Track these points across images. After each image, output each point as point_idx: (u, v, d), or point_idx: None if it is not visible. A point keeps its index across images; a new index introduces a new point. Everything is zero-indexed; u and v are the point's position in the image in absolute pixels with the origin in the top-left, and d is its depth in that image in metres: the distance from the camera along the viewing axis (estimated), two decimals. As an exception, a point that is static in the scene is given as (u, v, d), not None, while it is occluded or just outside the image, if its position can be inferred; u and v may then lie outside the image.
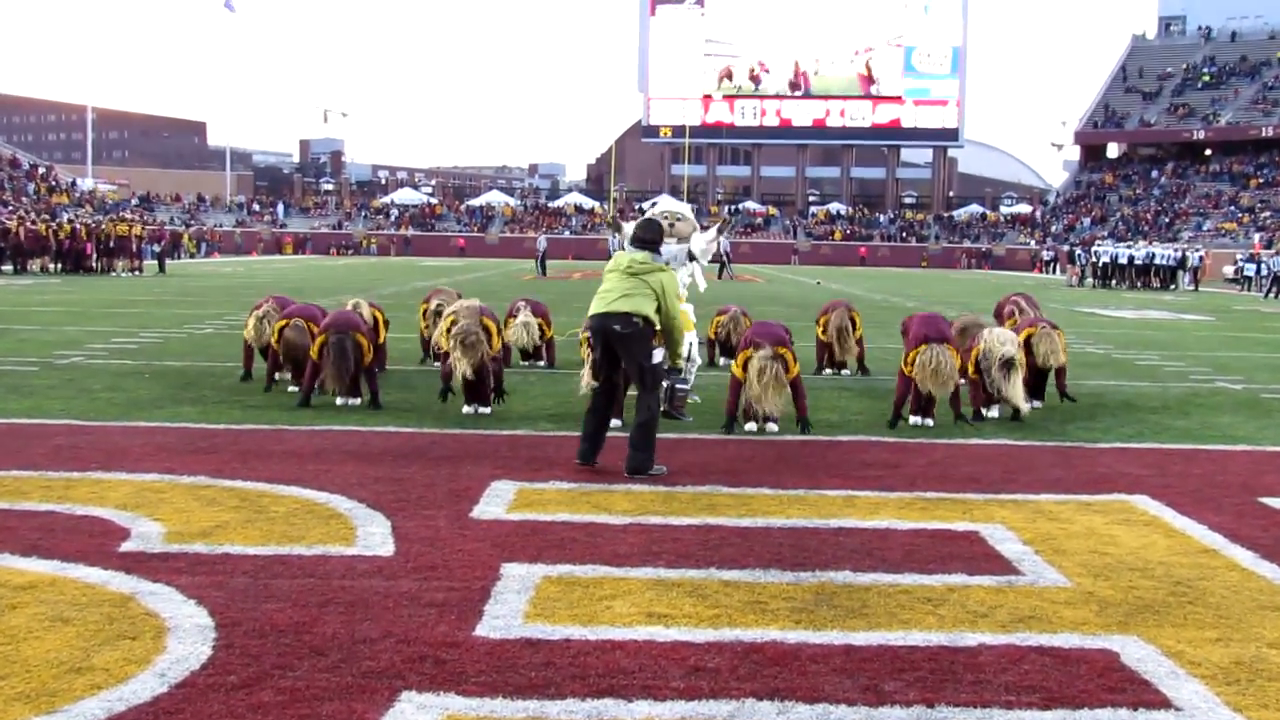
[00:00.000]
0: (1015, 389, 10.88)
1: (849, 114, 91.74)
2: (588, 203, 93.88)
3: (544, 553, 6.49)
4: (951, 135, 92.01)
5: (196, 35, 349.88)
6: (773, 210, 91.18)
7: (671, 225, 11.41)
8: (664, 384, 9.03)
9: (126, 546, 6.46)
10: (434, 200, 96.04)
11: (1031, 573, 6.29)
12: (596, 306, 8.83)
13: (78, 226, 43.04)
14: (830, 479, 8.61)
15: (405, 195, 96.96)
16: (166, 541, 6.58)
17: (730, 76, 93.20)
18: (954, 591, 5.92)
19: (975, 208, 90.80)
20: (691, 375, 11.52)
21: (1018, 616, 5.54)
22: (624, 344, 8.68)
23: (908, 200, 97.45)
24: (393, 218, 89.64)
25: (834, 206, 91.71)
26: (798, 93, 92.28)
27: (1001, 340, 11.04)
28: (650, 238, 9.19)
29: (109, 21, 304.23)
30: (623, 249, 10.71)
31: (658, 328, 8.85)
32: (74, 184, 77.90)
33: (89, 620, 5.22)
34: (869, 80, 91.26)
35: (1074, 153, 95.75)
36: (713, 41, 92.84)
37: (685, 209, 11.93)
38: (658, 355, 8.90)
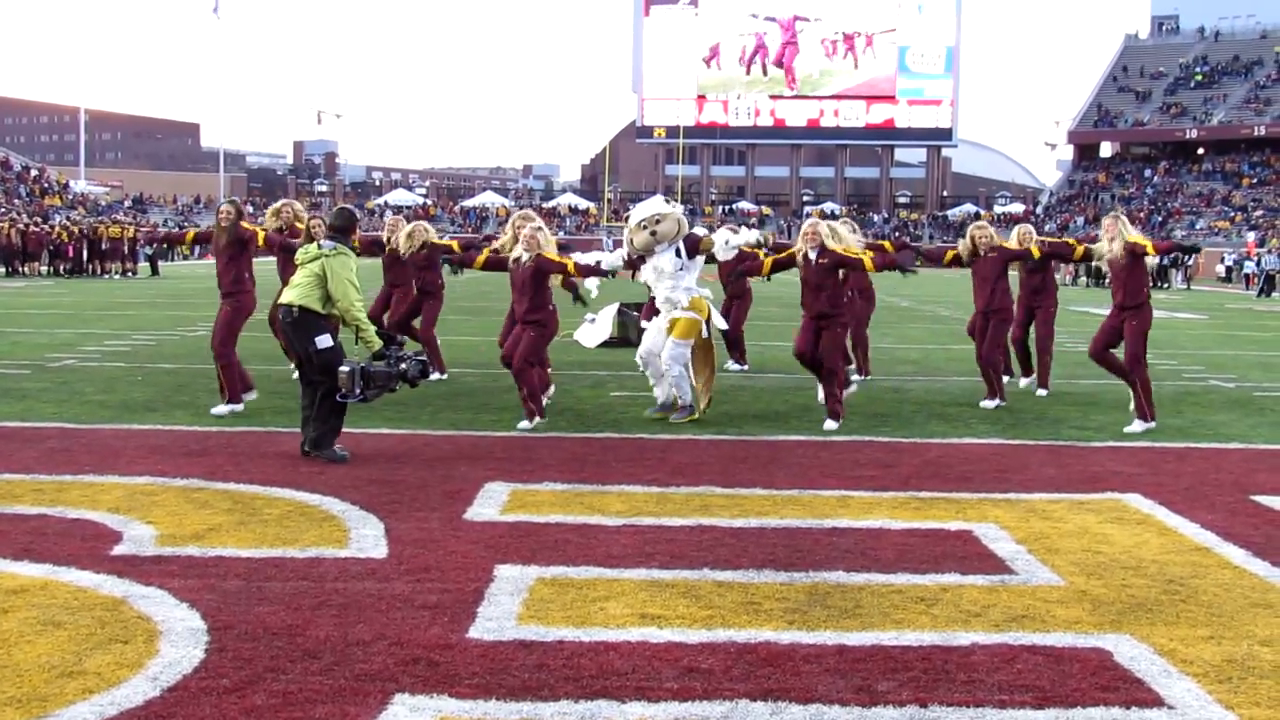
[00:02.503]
0: None
1: (843, 114, 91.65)
2: (582, 203, 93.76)
3: (537, 554, 6.49)
4: (945, 135, 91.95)
5: (189, 36, 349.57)
6: (767, 210, 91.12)
7: (653, 232, 11.17)
8: (352, 367, 8.88)
9: (119, 550, 6.45)
10: (428, 201, 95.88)
11: (1025, 572, 6.29)
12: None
13: (71, 229, 43.00)
14: (824, 479, 8.61)
15: (399, 196, 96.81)
16: (159, 544, 6.57)
17: (717, 58, 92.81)
18: (947, 591, 5.92)
19: (969, 207, 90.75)
20: (683, 391, 11.11)
21: (1011, 616, 5.55)
22: (291, 333, 9.06)
23: (902, 200, 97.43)
24: (386, 219, 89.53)
25: (828, 206, 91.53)
26: (790, 88, 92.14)
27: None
28: (340, 224, 9.28)
29: (102, 23, 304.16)
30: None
31: (323, 312, 9.00)
32: (66, 186, 77.73)
33: (81, 624, 5.20)
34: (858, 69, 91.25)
35: (1067, 152, 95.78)
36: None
37: (666, 208, 11.58)
38: (323, 341, 8.95)
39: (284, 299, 9.13)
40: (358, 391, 8.93)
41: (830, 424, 10.78)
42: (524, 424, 10.53)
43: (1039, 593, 5.93)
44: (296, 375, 12.65)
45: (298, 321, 8.97)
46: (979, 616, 5.53)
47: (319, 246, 9.10)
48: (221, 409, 10.91)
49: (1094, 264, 13.99)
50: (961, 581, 6.10)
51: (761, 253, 12.52)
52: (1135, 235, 11.19)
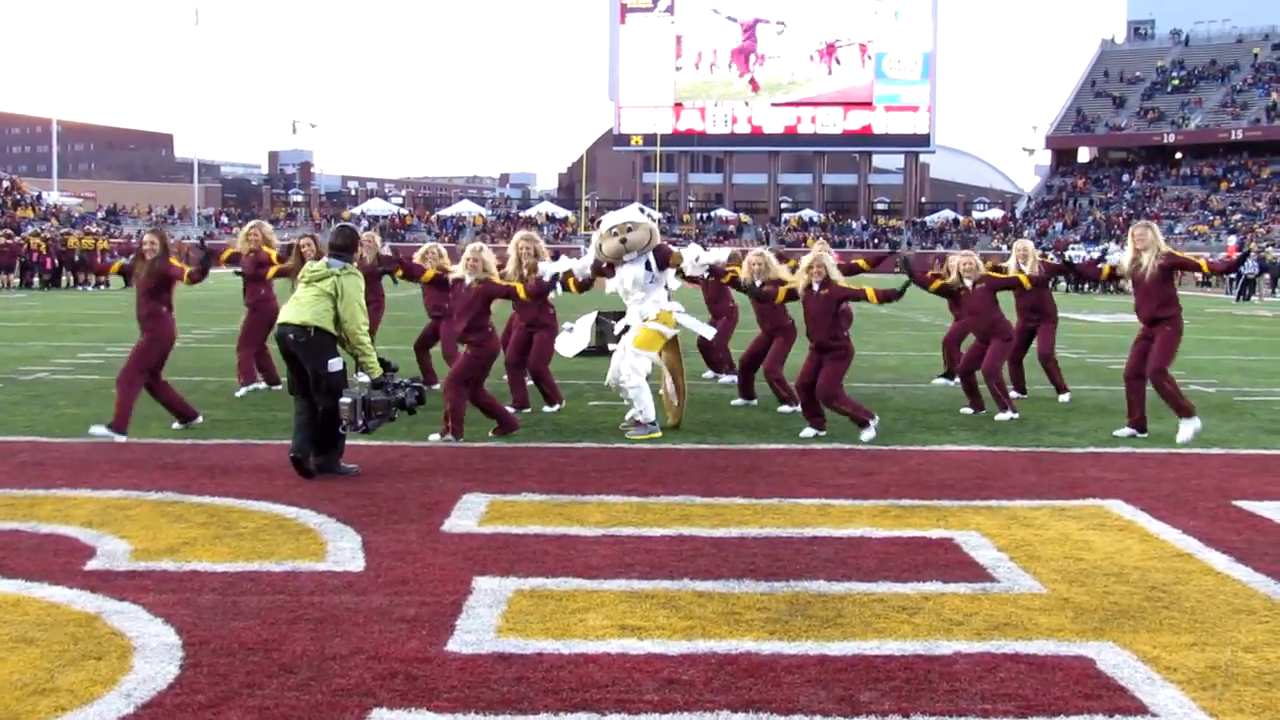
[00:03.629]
0: None
1: (820, 121, 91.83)
2: (560, 212, 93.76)
3: (516, 566, 6.47)
4: (923, 141, 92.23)
5: (163, 46, 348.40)
6: (745, 218, 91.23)
7: (623, 240, 11.06)
8: (354, 398, 8.79)
9: (92, 565, 6.41)
10: (404, 211, 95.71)
11: (1006, 579, 6.30)
12: (280, 317, 9.12)
13: (42, 241, 42.78)
14: (804, 488, 8.61)
15: (375, 206, 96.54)
16: (133, 559, 6.53)
17: (695, 65, 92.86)
18: (929, 600, 5.93)
19: (948, 213, 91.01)
20: (643, 404, 10.89)
21: (993, 624, 5.55)
22: (301, 353, 8.84)
23: (880, 206, 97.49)
24: (363, 229, 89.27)
25: (806, 213, 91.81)
26: (753, 92, 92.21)
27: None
28: (340, 244, 9.15)
29: (74, 33, 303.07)
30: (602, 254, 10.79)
31: (335, 333, 8.89)
32: (39, 197, 77.33)
33: (53, 640, 5.16)
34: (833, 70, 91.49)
35: (1045, 157, 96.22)
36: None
37: (638, 217, 11.48)
38: (335, 364, 8.86)
39: (294, 318, 8.85)
40: (360, 423, 8.86)
41: (867, 433, 10.70)
42: (434, 435, 10.46)
43: (1021, 600, 5.94)
44: (274, 387, 12.67)
45: (313, 342, 8.78)
46: (961, 625, 5.53)
47: (327, 265, 8.95)
48: (100, 430, 10.36)
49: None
50: (943, 590, 6.10)
51: (786, 272, 12.55)
52: (1170, 249, 11.06)
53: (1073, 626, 5.55)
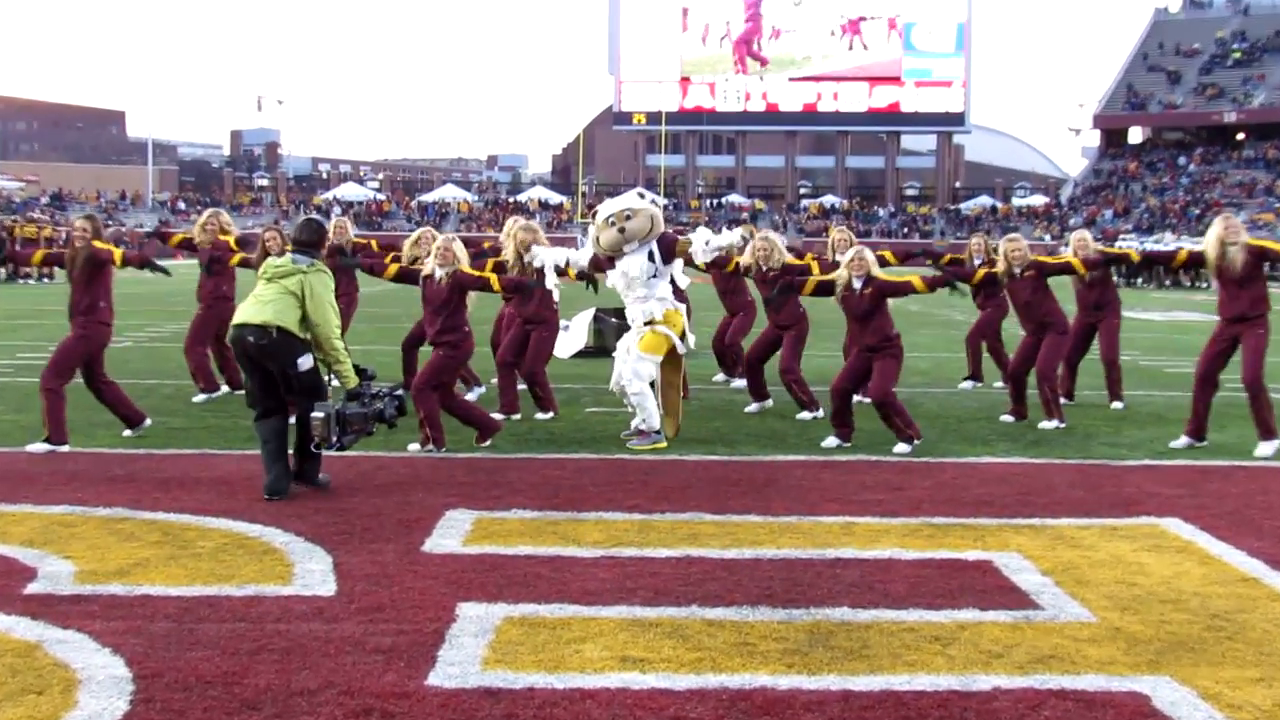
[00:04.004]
0: None
1: (843, 97, 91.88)
2: (554, 197, 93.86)
3: (504, 590, 6.45)
4: (957, 120, 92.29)
5: (114, 14, 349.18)
6: (760, 204, 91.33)
7: (621, 229, 11.01)
8: (327, 411, 8.70)
9: (33, 588, 6.40)
10: (381, 196, 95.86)
11: (1051, 606, 6.28)
12: (235, 318, 8.91)
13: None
14: (826, 504, 8.60)
15: (349, 191, 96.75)
16: (78, 582, 6.52)
17: (704, 36, 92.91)
18: (965, 629, 5.91)
19: (984, 199, 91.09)
20: (647, 412, 10.90)
21: (1036, 656, 5.53)
22: (264, 355, 8.69)
23: (909, 192, 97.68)
24: (335, 216, 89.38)
25: (828, 199, 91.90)
26: (761, 66, 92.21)
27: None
28: (306, 239, 9.03)
29: (15, 1, 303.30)
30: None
31: (301, 335, 8.76)
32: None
33: (-11, 673, 5.15)
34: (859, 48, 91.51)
35: (1093, 138, 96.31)
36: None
37: (638, 203, 11.40)
38: (305, 361, 8.76)
39: (254, 318, 8.66)
40: (334, 440, 8.74)
41: (902, 447, 10.71)
42: (413, 445, 10.46)
43: (1068, 630, 5.92)
44: (223, 392, 12.63)
45: (275, 343, 8.62)
46: (1001, 657, 5.51)
47: (293, 260, 8.85)
48: (39, 447, 10.31)
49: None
50: (981, 618, 6.08)
51: (812, 260, 12.56)
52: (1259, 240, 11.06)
53: (1125, 659, 5.53)
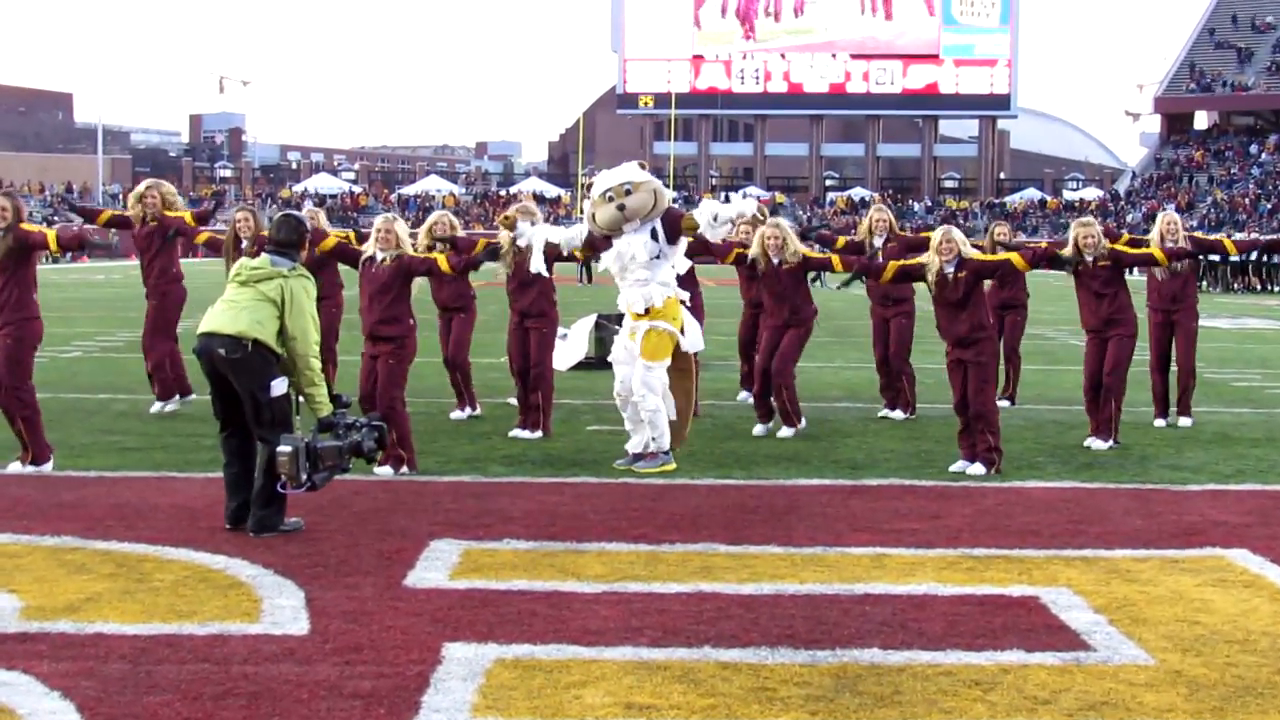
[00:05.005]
0: None
1: (874, 77, 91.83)
2: (550, 190, 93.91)
3: (496, 629, 6.49)
4: (1002, 103, 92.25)
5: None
6: (781, 197, 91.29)
7: (621, 206, 10.76)
8: (294, 445, 8.31)
9: (-27, 626, 6.45)
10: (358, 188, 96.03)
11: (1105, 648, 6.31)
12: (202, 324, 8.61)
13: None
14: (854, 534, 8.63)
15: (322, 182, 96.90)
16: (23, 618, 6.56)
17: (720, 8, 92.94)
18: (1008, 672, 5.93)
19: (1032, 192, 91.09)
20: (659, 430, 10.80)
21: (1088, 703, 5.56)
22: (232, 371, 8.43)
23: (948, 184, 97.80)
24: (307, 210, 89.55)
25: (857, 192, 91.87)
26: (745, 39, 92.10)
27: None
28: (285, 239, 8.77)
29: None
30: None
31: (278, 350, 8.49)
32: (-92, 172, 77.67)
33: (-75, 720, 5.20)
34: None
35: (1153, 124, 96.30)
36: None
37: (639, 175, 11.10)
38: (278, 386, 8.49)
39: (226, 327, 8.38)
40: (304, 478, 8.37)
41: (977, 468, 10.78)
42: (383, 469, 10.38)
43: (1123, 674, 5.94)
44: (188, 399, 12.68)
45: (249, 358, 8.36)
46: (1048, 704, 5.54)
47: (272, 263, 8.56)
48: (21, 468, 10.37)
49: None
50: (1026, 660, 6.11)
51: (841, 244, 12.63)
52: None
53: (1186, 706, 5.55)
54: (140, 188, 13.86)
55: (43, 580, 7.25)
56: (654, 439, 10.81)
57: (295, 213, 9.28)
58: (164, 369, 13.46)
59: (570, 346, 12.85)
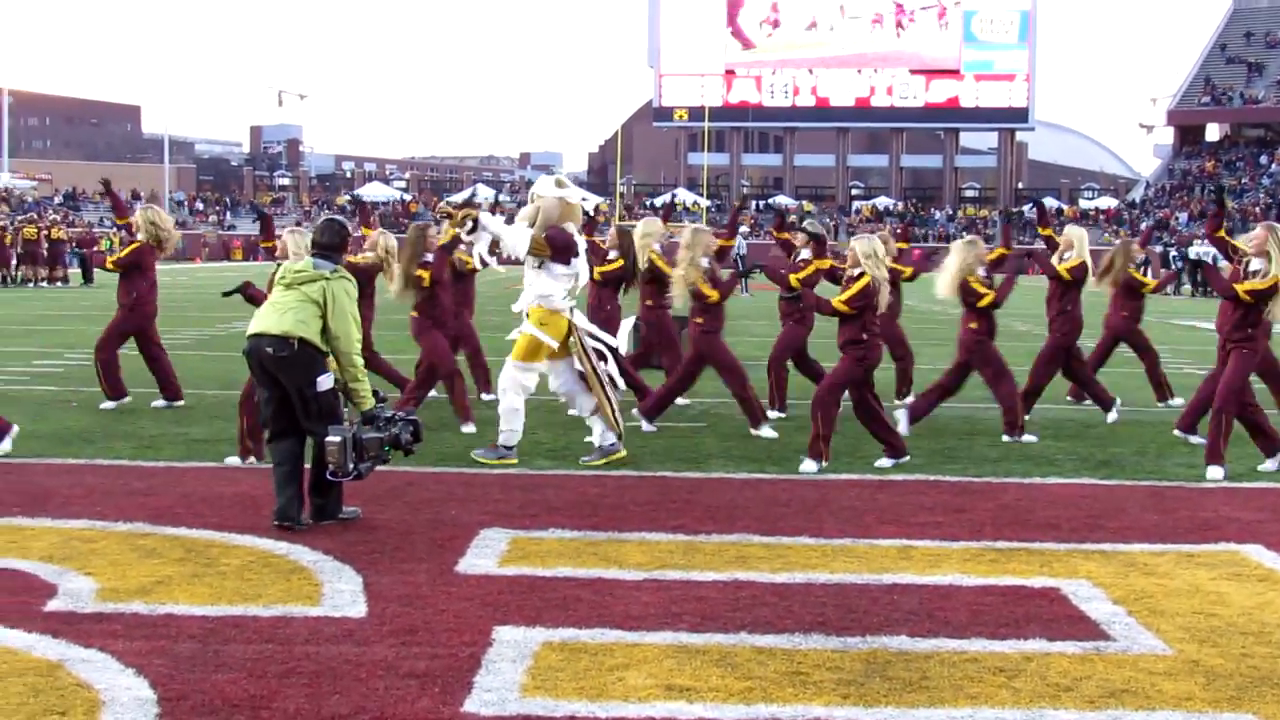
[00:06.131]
0: None
1: (898, 91, 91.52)
2: (591, 199, 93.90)
3: (543, 614, 6.51)
4: (1020, 116, 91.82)
5: (130, 6, 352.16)
6: (809, 206, 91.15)
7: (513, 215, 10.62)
8: (344, 436, 8.38)
9: (53, 605, 6.50)
10: (408, 196, 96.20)
11: (1124, 638, 6.28)
12: (251, 326, 8.67)
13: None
14: (882, 526, 8.62)
15: (374, 190, 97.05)
16: (99, 600, 6.61)
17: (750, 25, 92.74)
18: (1031, 660, 5.92)
19: (1050, 202, 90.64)
20: (509, 426, 10.71)
21: (1108, 690, 5.53)
22: (281, 369, 8.47)
23: (969, 193, 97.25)
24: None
25: (881, 201, 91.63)
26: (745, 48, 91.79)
27: None
28: (328, 242, 8.81)
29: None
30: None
31: (324, 350, 8.54)
32: (-13, 180, 78.20)
33: (11, 692, 5.25)
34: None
35: (1166, 135, 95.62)
36: None
37: (541, 188, 11.05)
38: (325, 381, 8.53)
39: (273, 328, 8.43)
40: (351, 468, 8.45)
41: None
42: (231, 459, 10.46)
43: (1141, 663, 5.92)
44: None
45: (296, 356, 8.40)
46: (1070, 691, 5.52)
47: (314, 266, 8.61)
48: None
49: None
50: (1048, 649, 6.09)
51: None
52: None
53: (1204, 694, 5.52)
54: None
55: (117, 564, 7.31)
56: (501, 433, 10.72)
57: (337, 217, 9.29)
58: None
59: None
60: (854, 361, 10.67)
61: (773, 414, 13.39)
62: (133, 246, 13.97)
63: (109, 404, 13.54)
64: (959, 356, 12.49)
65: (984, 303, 12.05)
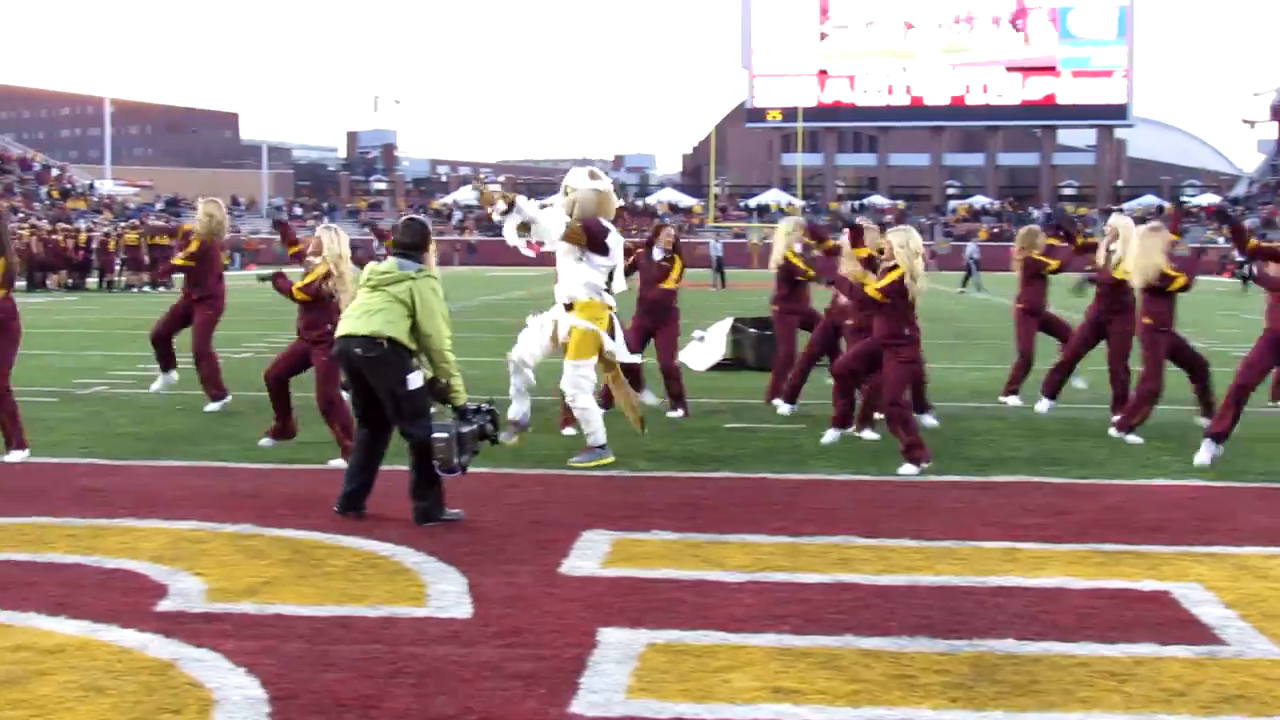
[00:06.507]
0: None
1: (993, 89, 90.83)
2: (684, 200, 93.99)
3: (647, 616, 6.51)
4: (1119, 112, 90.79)
5: (226, 15, 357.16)
6: (903, 205, 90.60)
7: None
8: (450, 432, 8.51)
9: (164, 605, 6.61)
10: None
11: (1238, 642, 6.18)
12: (339, 329, 8.83)
13: (96, 236, 44.37)
14: (985, 528, 8.54)
15: (469, 194, 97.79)
16: (209, 599, 6.72)
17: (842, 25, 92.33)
18: (1142, 664, 5.84)
19: (1150, 199, 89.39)
20: (592, 426, 10.69)
21: (1222, 695, 5.45)
22: (370, 369, 8.55)
23: (1067, 191, 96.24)
24: (455, 220, 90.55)
25: (978, 200, 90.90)
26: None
27: None
28: (410, 241, 8.86)
29: (128, 2, 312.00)
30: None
31: (412, 349, 8.63)
32: (91, 187, 79.75)
33: (126, 690, 5.33)
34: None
35: (1270, 130, 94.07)
36: None
37: (574, 180, 10.98)
38: (415, 380, 8.60)
39: (361, 329, 8.54)
40: (456, 462, 8.61)
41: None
42: (335, 461, 10.51)
43: (1257, 668, 5.82)
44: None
45: (385, 356, 8.50)
46: (1183, 696, 5.44)
47: (400, 267, 8.70)
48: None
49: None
50: (1160, 653, 6.01)
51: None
52: None
53: (1321, 699, 5.42)
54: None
55: (225, 564, 7.41)
56: (590, 434, 10.73)
57: (418, 216, 9.44)
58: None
59: (708, 348, 12.86)
60: (901, 365, 10.68)
61: (785, 408, 13.58)
62: (192, 246, 14.33)
63: (214, 405, 13.73)
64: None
65: (1175, 285, 11.82)
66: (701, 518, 8.76)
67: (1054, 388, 13.78)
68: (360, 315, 8.64)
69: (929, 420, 12.65)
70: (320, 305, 10.77)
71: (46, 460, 10.63)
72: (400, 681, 5.51)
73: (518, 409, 11.02)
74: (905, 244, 10.61)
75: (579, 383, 10.69)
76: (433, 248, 9.20)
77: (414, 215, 9.65)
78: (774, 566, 7.49)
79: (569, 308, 10.76)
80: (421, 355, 8.72)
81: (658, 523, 8.58)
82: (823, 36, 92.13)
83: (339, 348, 8.72)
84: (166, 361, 14.60)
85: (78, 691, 5.31)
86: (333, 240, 10.76)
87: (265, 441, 11.24)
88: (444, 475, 8.63)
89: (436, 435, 8.54)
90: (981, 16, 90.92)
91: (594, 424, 10.71)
